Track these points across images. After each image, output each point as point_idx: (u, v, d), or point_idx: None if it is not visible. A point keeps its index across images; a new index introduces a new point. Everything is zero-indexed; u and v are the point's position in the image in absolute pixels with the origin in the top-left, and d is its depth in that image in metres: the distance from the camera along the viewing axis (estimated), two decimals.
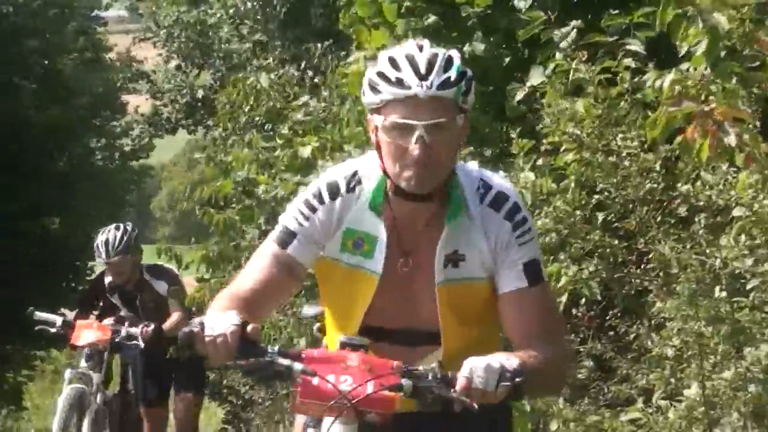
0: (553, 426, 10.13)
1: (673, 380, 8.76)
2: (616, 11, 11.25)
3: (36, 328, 10.63)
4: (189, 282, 14.96)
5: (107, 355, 11.39)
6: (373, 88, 4.03)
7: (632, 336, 9.43)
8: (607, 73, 9.77)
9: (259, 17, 23.49)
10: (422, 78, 3.93)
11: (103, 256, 10.93)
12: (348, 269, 4.32)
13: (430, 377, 4.21)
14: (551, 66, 10.38)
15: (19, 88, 20.37)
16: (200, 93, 24.58)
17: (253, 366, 4.77)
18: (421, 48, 4.04)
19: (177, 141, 31.25)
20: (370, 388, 4.32)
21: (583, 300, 10.19)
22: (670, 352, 8.72)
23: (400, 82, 3.92)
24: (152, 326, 10.63)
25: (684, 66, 6.89)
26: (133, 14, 30.59)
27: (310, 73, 14.79)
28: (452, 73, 3.94)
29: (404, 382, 4.21)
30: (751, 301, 8.06)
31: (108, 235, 11.13)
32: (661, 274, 9.07)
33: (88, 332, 10.66)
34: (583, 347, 10.36)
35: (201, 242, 16.11)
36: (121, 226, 11.44)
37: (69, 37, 23.69)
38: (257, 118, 16.68)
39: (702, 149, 5.74)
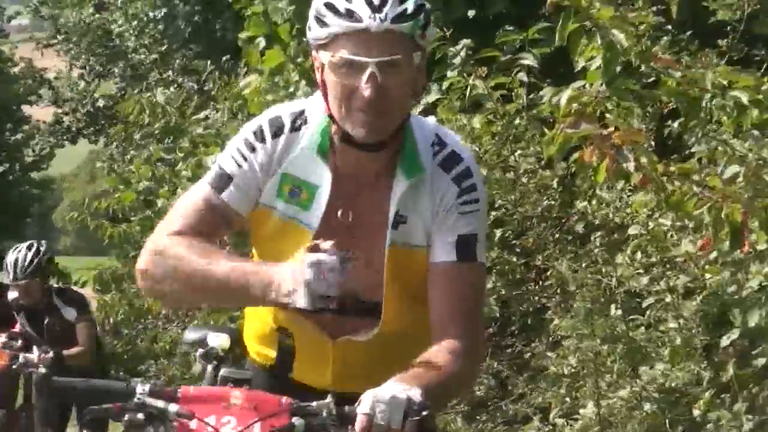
0: None
1: (569, 399, 8.63)
2: (511, 28, 11.08)
3: None
4: (87, 293, 15.26)
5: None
6: (320, 20, 3.59)
7: (529, 354, 9.37)
8: (502, 89, 9.81)
9: (160, 28, 22.93)
10: (375, 10, 3.47)
11: (11, 277, 10.33)
12: (280, 220, 3.83)
13: (324, 414, 3.74)
14: (446, 83, 10.19)
15: None
16: (101, 102, 24.21)
17: (120, 410, 4.04)
18: None
19: (78, 150, 31.01)
20: (257, 430, 3.84)
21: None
22: (566, 370, 8.46)
23: (350, 14, 3.50)
24: (51, 353, 10.09)
25: (580, 83, 6.60)
26: (35, 21, 29.90)
27: (210, 85, 14.44)
28: (408, 5, 3.48)
29: (295, 421, 3.75)
30: (646, 319, 8.02)
31: (18, 254, 10.55)
32: (558, 291, 8.95)
33: None
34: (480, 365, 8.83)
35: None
36: (34, 245, 10.94)
37: None
38: (156, 132, 15.82)
39: (599, 171, 5.60)
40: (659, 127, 6.86)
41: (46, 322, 10.41)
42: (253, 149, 3.71)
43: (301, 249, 3.54)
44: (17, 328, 10.82)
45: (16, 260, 10.41)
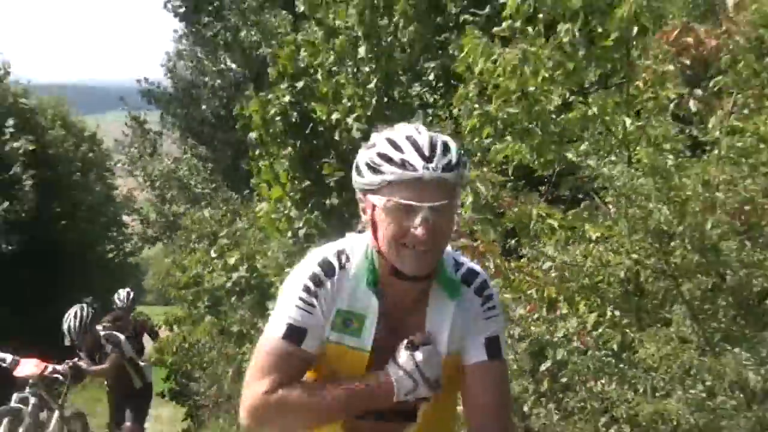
0: None
1: None
2: None
3: None
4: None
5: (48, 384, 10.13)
6: (374, 169, 2.92)
7: None
8: None
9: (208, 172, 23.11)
10: (427, 160, 2.85)
11: (67, 341, 10.05)
12: (337, 348, 3.07)
13: None
14: None
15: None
16: (172, 218, 23.69)
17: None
18: (419, 130, 2.97)
19: (158, 247, 30.02)
20: None
21: None
22: None
23: (404, 164, 2.86)
24: (71, 364, 9.99)
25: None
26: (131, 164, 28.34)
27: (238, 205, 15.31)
28: (452, 156, 2.90)
29: None
30: None
31: (69, 323, 10.07)
32: None
33: (25, 366, 9.70)
34: None
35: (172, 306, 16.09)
36: (78, 312, 10.26)
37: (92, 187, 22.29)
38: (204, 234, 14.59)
39: None
40: (504, 240, 6.71)
41: (97, 356, 10.34)
42: (316, 296, 2.97)
43: (401, 347, 3.00)
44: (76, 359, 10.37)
45: (69, 328, 10.08)
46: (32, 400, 9.71)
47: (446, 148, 2.89)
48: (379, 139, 2.95)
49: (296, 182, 11.38)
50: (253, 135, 12.26)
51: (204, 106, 24.46)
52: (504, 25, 7.39)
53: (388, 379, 2.98)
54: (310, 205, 11.29)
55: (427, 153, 2.82)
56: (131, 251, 26.07)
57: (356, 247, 3.11)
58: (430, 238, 2.82)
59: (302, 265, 3.10)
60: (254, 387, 3.00)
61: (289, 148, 11.28)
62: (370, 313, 3.04)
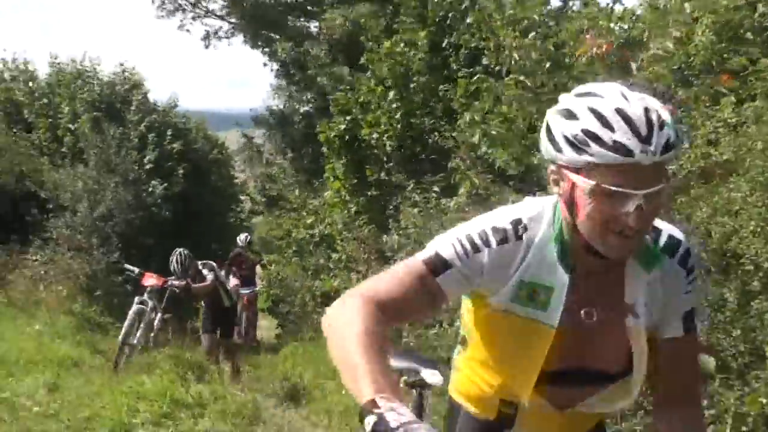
0: None
1: None
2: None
3: (125, 273, 10.58)
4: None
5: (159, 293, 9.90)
6: (577, 148, 1.75)
7: None
8: None
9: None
10: (644, 141, 1.70)
11: (176, 275, 9.45)
12: (520, 321, 2.01)
13: None
14: None
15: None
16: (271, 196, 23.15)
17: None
18: (627, 97, 1.76)
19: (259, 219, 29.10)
20: None
21: None
22: None
23: (617, 147, 1.70)
24: (184, 283, 9.37)
25: None
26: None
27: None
28: (670, 132, 1.73)
29: None
30: None
31: (173, 263, 9.39)
32: None
33: (150, 279, 9.73)
34: None
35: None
36: (177, 256, 9.56)
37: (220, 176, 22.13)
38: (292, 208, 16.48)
39: None
40: None
41: (196, 280, 9.48)
42: (477, 249, 1.91)
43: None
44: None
45: (174, 268, 9.45)
46: (150, 303, 9.60)
47: (662, 122, 1.74)
48: (578, 106, 1.81)
49: (348, 178, 12.00)
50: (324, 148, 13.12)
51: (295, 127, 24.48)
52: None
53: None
54: (357, 193, 11.90)
55: (643, 132, 1.71)
56: (244, 219, 25.95)
57: (538, 216, 2.01)
58: (642, 225, 1.79)
59: (473, 221, 2.01)
60: (360, 285, 1.98)
61: (344, 158, 11.98)
62: (558, 287, 1.99)
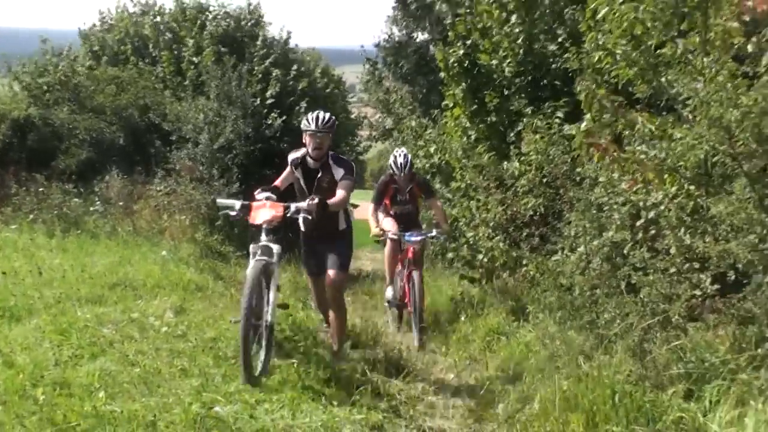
0: None
1: None
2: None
3: (219, 212, 6.23)
4: None
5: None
6: None
7: None
8: None
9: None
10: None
11: (312, 126, 6.23)
12: None
13: None
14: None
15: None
16: (387, 127, 23.10)
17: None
18: None
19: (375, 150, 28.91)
20: None
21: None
22: None
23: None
24: (316, 199, 5.96)
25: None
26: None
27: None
28: None
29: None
30: None
31: (318, 113, 6.36)
32: None
33: (264, 211, 5.98)
34: None
35: None
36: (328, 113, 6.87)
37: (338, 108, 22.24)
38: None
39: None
40: (617, 138, 6.21)
41: (317, 177, 6.37)
42: None
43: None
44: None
45: (317, 116, 6.32)
46: (275, 248, 5.74)
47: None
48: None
49: (468, 105, 11.51)
50: (441, 74, 12.52)
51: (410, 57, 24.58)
52: None
53: None
54: (476, 119, 11.43)
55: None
56: (361, 152, 26.10)
57: None
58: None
59: None
60: None
61: (463, 83, 11.43)
62: None
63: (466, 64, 11.22)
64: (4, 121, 14.39)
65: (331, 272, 6.54)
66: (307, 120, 6.42)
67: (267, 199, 6.05)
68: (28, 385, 4.66)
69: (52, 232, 11.33)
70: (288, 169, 6.73)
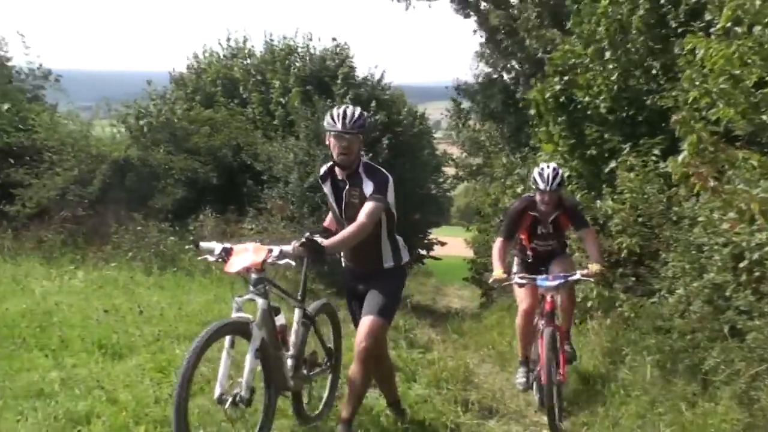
0: None
1: None
2: None
3: (199, 258, 4.67)
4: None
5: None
6: None
7: None
8: None
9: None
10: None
11: (339, 126, 4.78)
12: None
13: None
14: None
15: None
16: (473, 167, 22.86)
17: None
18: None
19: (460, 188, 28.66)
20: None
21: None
22: None
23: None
24: (302, 239, 4.44)
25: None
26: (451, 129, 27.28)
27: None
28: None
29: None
30: None
31: (345, 107, 4.90)
32: None
33: (241, 257, 4.49)
34: None
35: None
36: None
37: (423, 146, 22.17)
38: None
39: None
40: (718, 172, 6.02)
41: (345, 191, 4.89)
42: None
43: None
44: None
45: (344, 112, 4.84)
46: (260, 302, 4.50)
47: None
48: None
49: (565, 139, 11.41)
50: (532, 111, 12.47)
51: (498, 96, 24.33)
52: (719, 25, 6.90)
53: None
54: (572, 155, 11.24)
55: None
56: (447, 189, 25.80)
57: None
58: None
59: None
60: None
61: (560, 119, 11.29)
62: None
63: (562, 99, 11.14)
64: (105, 162, 14.80)
65: (365, 318, 5.01)
66: (332, 117, 5.00)
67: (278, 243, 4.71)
68: (131, 422, 4.85)
69: (150, 270, 11.59)
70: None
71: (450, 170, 27.30)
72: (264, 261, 4.53)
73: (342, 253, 5.20)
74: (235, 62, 22.74)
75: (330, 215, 5.41)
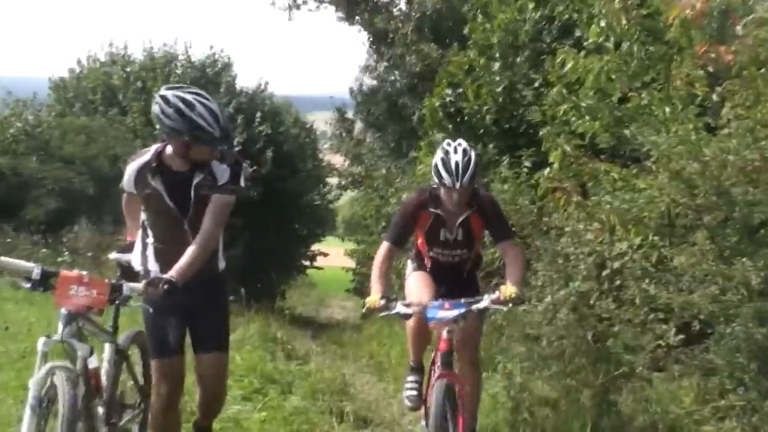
0: None
1: None
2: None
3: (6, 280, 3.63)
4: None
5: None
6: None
7: None
8: None
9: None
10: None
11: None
12: None
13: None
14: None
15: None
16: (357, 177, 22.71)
17: None
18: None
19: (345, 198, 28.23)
20: None
21: None
22: None
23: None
24: (163, 280, 3.27)
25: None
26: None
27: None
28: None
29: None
30: None
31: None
32: None
33: (78, 291, 3.20)
34: None
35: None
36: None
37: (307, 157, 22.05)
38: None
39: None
40: (582, 185, 6.27)
41: (195, 182, 3.55)
42: None
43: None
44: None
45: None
46: (80, 349, 3.25)
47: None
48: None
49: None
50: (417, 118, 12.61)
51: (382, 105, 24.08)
52: (590, 40, 7.18)
53: None
54: None
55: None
56: (331, 200, 25.81)
57: None
58: None
59: None
60: None
61: (445, 131, 11.31)
62: None
63: (451, 110, 11.24)
64: None
65: (212, 356, 3.86)
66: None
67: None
68: None
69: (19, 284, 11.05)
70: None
71: (334, 180, 27.41)
72: (108, 302, 3.36)
73: (152, 250, 3.89)
74: (114, 69, 22.05)
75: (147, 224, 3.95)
